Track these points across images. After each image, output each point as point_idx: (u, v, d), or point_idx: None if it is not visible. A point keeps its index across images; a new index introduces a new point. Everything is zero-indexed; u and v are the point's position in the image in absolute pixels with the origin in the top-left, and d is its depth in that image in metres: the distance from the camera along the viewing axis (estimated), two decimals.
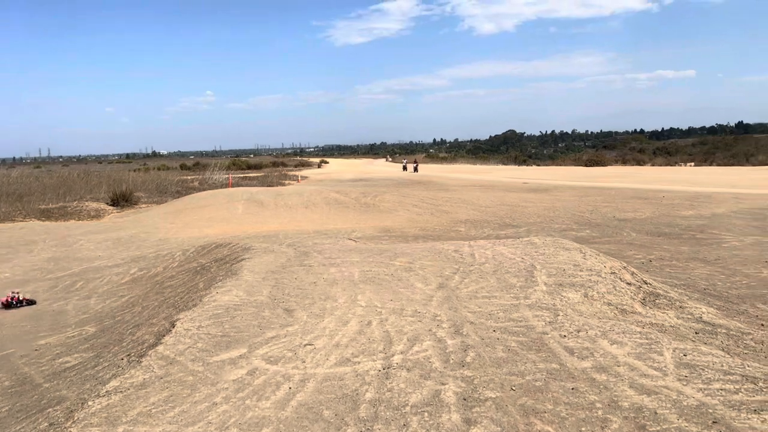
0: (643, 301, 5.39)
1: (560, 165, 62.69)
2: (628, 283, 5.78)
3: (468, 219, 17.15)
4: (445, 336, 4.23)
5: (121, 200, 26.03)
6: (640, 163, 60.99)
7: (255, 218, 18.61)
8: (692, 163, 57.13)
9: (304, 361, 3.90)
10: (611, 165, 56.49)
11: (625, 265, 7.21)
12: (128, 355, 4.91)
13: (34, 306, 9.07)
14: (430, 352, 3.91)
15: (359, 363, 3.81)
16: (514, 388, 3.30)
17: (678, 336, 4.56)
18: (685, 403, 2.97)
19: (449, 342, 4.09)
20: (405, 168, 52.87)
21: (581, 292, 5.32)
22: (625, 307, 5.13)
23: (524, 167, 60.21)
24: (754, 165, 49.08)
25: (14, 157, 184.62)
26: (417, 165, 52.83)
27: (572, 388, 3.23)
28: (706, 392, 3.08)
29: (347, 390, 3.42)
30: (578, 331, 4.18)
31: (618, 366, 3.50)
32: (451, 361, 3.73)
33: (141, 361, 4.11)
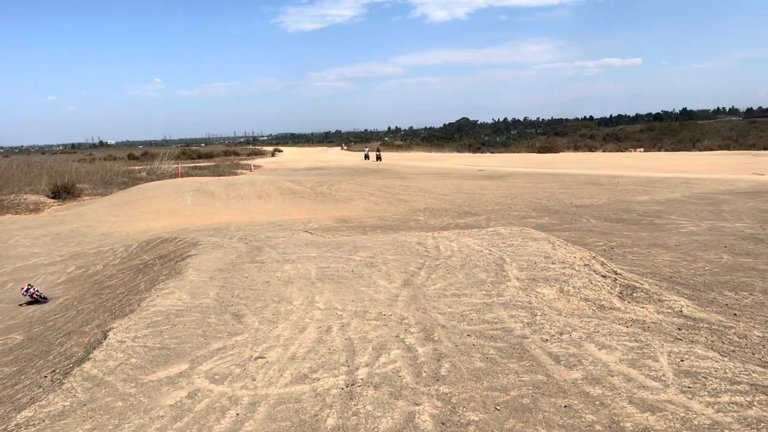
0: (620, 296, 5.06)
1: (514, 152, 63.20)
2: (603, 276, 5.45)
3: (426, 207, 16.81)
4: (415, 343, 3.77)
5: (63, 192, 24.68)
6: (591, 149, 62.05)
7: (205, 210, 17.83)
8: (641, 149, 58.40)
9: (254, 379, 3.37)
10: (564, 151, 57.21)
11: (594, 255, 6.92)
12: (53, 371, 4.30)
13: None
14: (399, 363, 3.44)
15: (319, 380, 3.31)
16: (498, 407, 2.86)
17: (662, 333, 4.23)
18: (696, 422, 2.59)
19: (420, 350, 3.63)
20: (367, 157, 48.98)
21: (556, 287, 4.95)
22: (603, 302, 4.79)
23: (479, 154, 60.42)
24: (700, 150, 50.45)
25: None
26: (380, 153, 48.75)
27: (565, 406, 2.82)
28: (716, 407, 2.72)
29: (305, 415, 2.92)
30: (561, 334, 3.78)
31: (611, 376, 3.11)
32: (424, 375, 3.27)
33: (63, 383, 3.52)
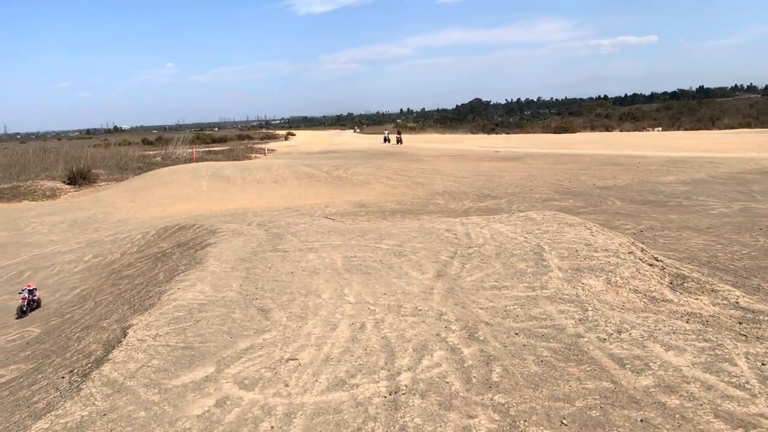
0: (671, 286, 4.71)
1: (529, 132, 62.33)
2: (650, 265, 5.10)
3: (445, 191, 16.47)
4: (459, 343, 3.46)
5: (79, 178, 24.54)
6: (608, 128, 61.03)
7: (221, 195, 17.61)
8: (659, 128, 57.34)
9: (287, 385, 3.08)
10: (580, 131, 56.35)
11: (633, 240, 6.58)
12: (70, 371, 4.06)
13: None
14: (444, 367, 3.14)
15: (358, 386, 3.01)
16: (564, 420, 2.56)
17: (724, 329, 3.90)
18: None
19: (465, 352, 3.32)
20: (387, 140, 46.12)
21: (603, 277, 4.61)
22: (654, 294, 4.45)
23: (493, 136, 59.69)
24: (720, 128, 49.45)
25: None
26: (400, 136, 45.40)
27: (641, 420, 2.50)
28: None
29: (347, 429, 2.62)
30: (619, 332, 3.46)
31: (687, 383, 2.79)
32: (474, 381, 2.96)
33: (81, 388, 3.26)
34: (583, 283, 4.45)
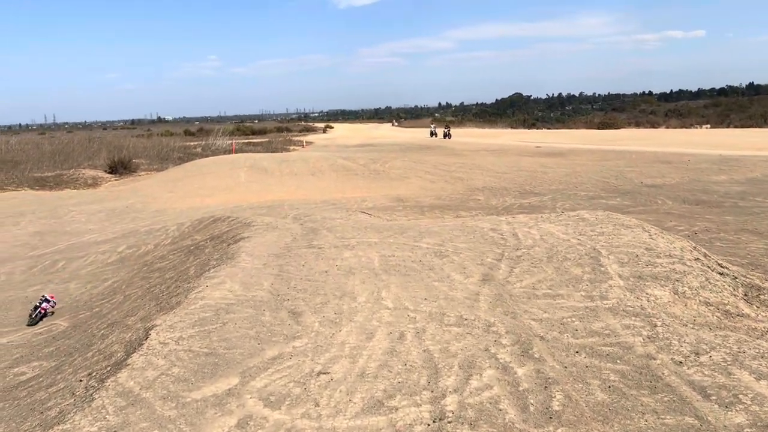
0: (746, 298, 4.21)
1: (571, 128, 61.03)
2: (720, 273, 4.60)
3: (485, 186, 15.98)
4: (511, 361, 3.06)
5: (120, 167, 24.83)
6: (654, 125, 59.35)
7: (259, 186, 17.46)
8: (708, 125, 55.49)
9: (317, 404, 2.74)
10: (624, 127, 54.93)
11: (694, 245, 6.05)
12: (89, 374, 3.80)
13: (3, 293, 7.93)
14: (496, 390, 2.75)
15: (397, 409, 2.65)
16: None
17: None
18: None
19: (519, 372, 2.92)
20: (433, 134, 43.18)
21: (669, 287, 4.14)
22: (728, 307, 3.96)
23: (534, 131, 58.60)
24: None
25: (20, 124, 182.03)
26: (448, 130, 40.94)
27: None
28: None
29: None
30: (696, 354, 3.01)
31: None
32: (532, 409, 2.57)
33: (94, 398, 2.97)
34: (647, 294, 3.99)
